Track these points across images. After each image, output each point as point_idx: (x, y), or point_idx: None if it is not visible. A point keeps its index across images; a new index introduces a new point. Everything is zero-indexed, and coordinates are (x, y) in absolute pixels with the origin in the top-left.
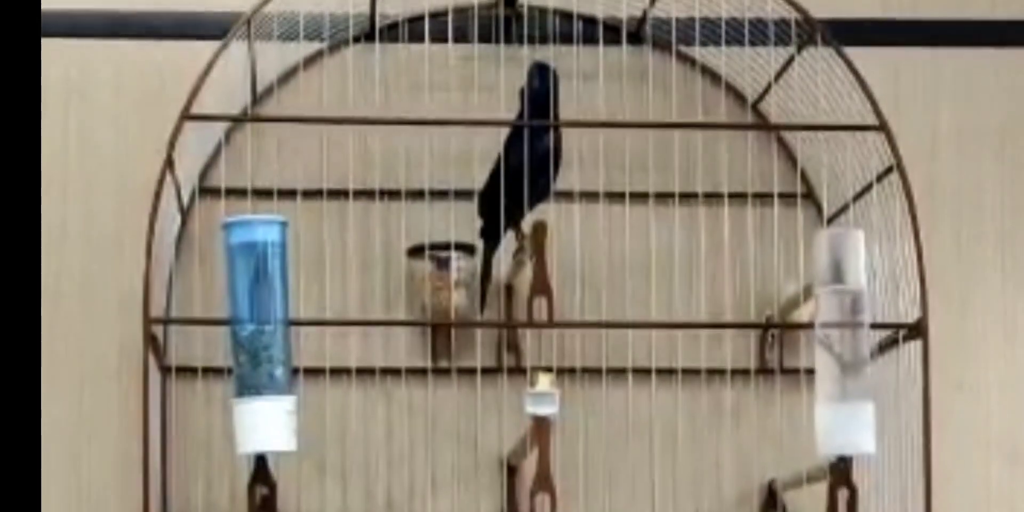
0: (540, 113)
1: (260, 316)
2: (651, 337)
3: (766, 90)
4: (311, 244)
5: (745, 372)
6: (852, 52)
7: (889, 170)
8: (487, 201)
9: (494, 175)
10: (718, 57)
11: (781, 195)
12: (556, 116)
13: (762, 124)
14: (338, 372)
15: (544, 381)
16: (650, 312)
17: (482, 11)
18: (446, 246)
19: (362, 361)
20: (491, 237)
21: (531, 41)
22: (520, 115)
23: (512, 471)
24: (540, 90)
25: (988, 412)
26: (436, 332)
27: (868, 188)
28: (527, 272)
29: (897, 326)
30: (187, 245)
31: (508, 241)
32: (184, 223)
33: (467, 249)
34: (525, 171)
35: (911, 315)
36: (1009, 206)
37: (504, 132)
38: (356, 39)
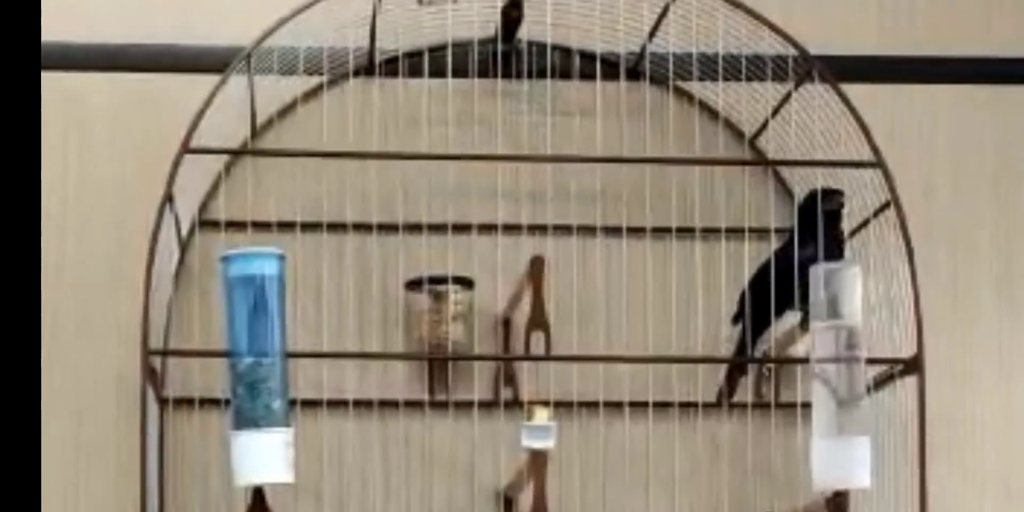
0: (808, 230)
1: (258, 348)
2: (648, 371)
3: (763, 126)
4: (309, 277)
5: (741, 406)
6: (849, 88)
7: (885, 206)
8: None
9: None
10: (716, 93)
11: (778, 230)
12: (840, 242)
13: (759, 160)
14: (335, 404)
15: (541, 414)
16: (647, 346)
17: (481, 46)
18: (443, 280)
19: (359, 393)
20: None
21: (529, 76)
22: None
23: (509, 504)
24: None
25: (983, 447)
26: (433, 365)
27: (865, 224)
28: (524, 306)
29: (893, 361)
30: (186, 278)
31: (507, 278)
32: (183, 256)
33: (464, 282)
34: (795, 271)
35: (907, 350)
36: (1004, 242)
37: (499, 166)
38: (355, 74)
